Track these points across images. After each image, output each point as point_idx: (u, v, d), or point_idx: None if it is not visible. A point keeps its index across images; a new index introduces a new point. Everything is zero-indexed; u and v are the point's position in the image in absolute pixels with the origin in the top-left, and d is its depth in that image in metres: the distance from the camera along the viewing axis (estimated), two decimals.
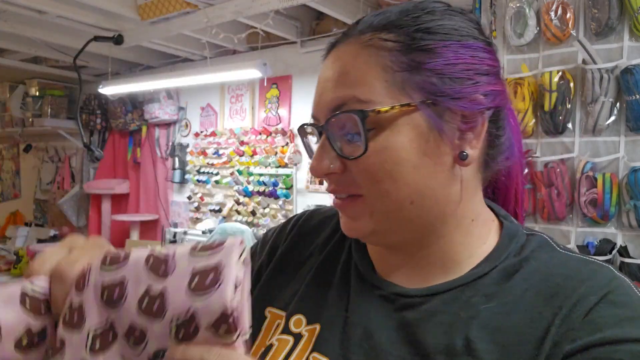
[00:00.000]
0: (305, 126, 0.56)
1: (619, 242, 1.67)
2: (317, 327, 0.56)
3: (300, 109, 3.18)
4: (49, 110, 4.37)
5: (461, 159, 0.50)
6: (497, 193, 0.60)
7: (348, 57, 0.52)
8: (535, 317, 0.47)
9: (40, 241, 4.47)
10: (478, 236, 0.54)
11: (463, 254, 0.53)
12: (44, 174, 5.06)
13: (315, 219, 0.70)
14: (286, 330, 0.58)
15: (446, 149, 0.50)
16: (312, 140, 0.59)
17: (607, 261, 1.62)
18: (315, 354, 0.54)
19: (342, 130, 0.51)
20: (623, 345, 0.43)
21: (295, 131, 2.81)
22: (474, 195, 0.54)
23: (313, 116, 0.55)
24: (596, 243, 1.69)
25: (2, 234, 5.02)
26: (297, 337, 0.57)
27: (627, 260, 1.62)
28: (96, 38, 2.93)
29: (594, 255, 1.65)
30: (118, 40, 3.03)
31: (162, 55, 3.74)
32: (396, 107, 0.48)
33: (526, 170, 1.82)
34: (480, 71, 0.51)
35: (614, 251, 1.65)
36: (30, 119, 4.46)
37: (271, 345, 0.58)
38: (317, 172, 0.53)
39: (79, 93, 3.13)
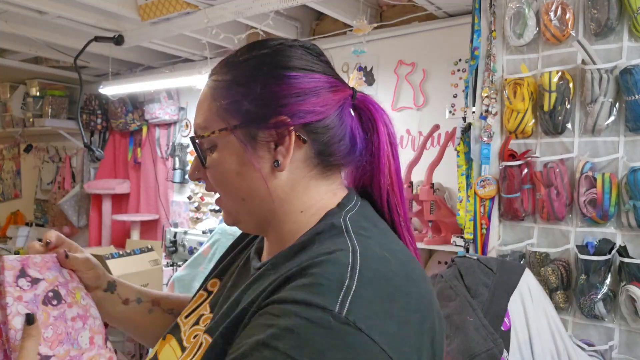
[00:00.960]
0: None
1: (619, 242, 1.68)
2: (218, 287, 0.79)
3: None
4: (50, 110, 4.37)
5: (275, 166, 0.64)
6: (372, 186, 0.70)
7: (201, 94, 0.69)
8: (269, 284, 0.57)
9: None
10: (307, 223, 0.65)
11: (290, 238, 0.65)
12: (45, 174, 5.07)
13: None
14: (204, 289, 0.81)
15: (263, 159, 0.64)
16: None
17: (606, 261, 1.64)
18: (208, 306, 0.75)
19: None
20: (282, 305, 0.51)
21: None
22: (305, 192, 0.67)
23: None
24: (595, 243, 1.69)
25: (2, 234, 5.03)
26: (209, 293, 0.79)
27: (626, 260, 1.62)
28: (97, 38, 2.93)
29: (593, 255, 1.66)
30: (118, 40, 3.03)
31: (162, 56, 3.74)
32: (216, 131, 0.65)
33: (526, 171, 1.82)
34: (289, 95, 0.63)
35: (613, 251, 1.65)
36: (30, 119, 4.46)
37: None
38: (190, 177, 0.71)
39: (80, 93, 3.13)
